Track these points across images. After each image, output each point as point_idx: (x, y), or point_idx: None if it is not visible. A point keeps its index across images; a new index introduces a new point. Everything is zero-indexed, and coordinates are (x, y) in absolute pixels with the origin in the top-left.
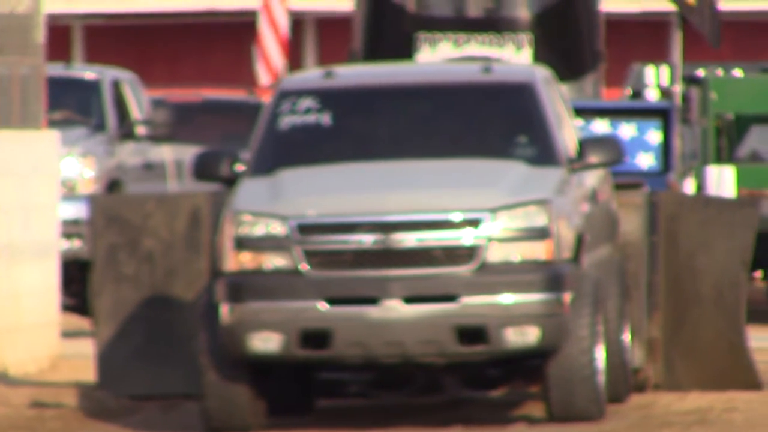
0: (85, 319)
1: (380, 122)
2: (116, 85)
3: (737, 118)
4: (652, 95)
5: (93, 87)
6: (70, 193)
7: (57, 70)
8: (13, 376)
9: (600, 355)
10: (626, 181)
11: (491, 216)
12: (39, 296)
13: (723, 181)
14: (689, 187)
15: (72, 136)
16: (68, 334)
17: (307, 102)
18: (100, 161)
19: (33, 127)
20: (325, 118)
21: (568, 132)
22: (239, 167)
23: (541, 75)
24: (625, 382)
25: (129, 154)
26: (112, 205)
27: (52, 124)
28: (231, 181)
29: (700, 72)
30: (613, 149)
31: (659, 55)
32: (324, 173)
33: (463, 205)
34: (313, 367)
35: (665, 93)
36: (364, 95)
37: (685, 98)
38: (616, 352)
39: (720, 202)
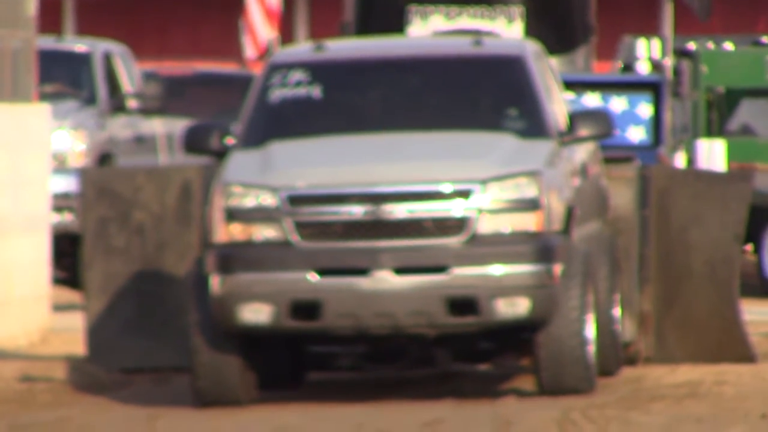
0: (76, 292)
1: (371, 95)
2: (107, 58)
3: (728, 91)
4: (643, 68)
5: (84, 60)
6: (61, 167)
7: (48, 43)
8: (4, 350)
9: (590, 327)
10: (617, 154)
11: (481, 187)
12: (30, 270)
13: (713, 154)
14: (680, 160)
15: (63, 109)
16: (59, 307)
17: (297, 75)
18: (91, 134)
19: (24, 100)
20: (316, 91)
21: (559, 105)
22: (229, 140)
23: (532, 49)
24: (615, 355)
25: (120, 127)
26: (102, 178)
27: (44, 97)
28: (221, 153)
29: (691, 45)
30: (603, 122)
31: (650, 29)
32: (314, 145)
33: (454, 177)
34: (303, 339)
35: (656, 66)
36: (355, 68)
37: (676, 72)
38: (606, 326)
39: (711, 176)
